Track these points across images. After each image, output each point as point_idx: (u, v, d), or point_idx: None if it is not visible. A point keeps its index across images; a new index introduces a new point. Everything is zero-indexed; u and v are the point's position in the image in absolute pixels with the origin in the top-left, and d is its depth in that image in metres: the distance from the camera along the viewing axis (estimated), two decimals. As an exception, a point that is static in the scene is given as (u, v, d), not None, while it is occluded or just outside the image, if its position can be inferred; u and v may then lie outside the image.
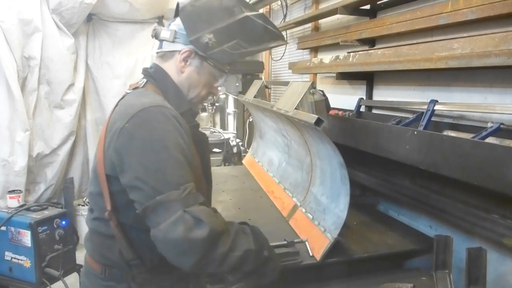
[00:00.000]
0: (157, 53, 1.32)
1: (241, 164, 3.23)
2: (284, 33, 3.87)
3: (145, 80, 1.29)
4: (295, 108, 1.74)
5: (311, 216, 1.73)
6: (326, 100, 2.13)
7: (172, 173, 1.08)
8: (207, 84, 1.31)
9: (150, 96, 1.22)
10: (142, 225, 1.11)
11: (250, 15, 1.25)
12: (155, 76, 1.28)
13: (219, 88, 1.40)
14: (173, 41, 1.25)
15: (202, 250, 1.04)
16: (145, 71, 1.32)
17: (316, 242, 1.58)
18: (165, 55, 1.28)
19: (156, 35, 1.29)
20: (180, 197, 1.05)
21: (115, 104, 1.27)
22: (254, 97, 2.66)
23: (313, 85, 1.96)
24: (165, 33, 1.26)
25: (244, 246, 1.14)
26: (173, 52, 1.26)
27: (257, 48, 1.32)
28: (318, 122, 1.42)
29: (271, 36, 1.32)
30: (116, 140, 1.12)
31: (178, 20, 1.26)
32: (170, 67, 1.27)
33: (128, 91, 1.28)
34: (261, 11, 4.36)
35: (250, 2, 4.23)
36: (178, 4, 1.26)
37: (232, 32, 1.23)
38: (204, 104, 3.92)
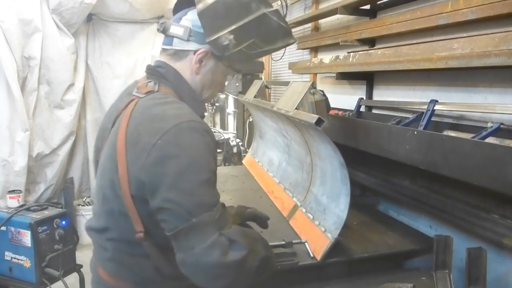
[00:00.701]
0: (164, 49, 1.20)
1: (241, 164, 3.23)
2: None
3: (156, 82, 1.17)
4: (296, 108, 1.74)
5: (311, 216, 1.73)
6: (326, 100, 2.13)
7: (206, 194, 1.02)
8: (219, 84, 1.26)
9: (176, 105, 1.11)
10: None
11: (266, 12, 1.16)
12: (168, 78, 1.18)
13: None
14: (187, 40, 1.15)
15: (237, 272, 1.01)
16: (154, 71, 1.19)
17: (317, 242, 1.58)
18: (176, 54, 1.17)
19: (164, 30, 1.17)
20: (214, 219, 1.00)
21: (124, 107, 1.15)
22: (254, 97, 2.66)
23: (313, 85, 1.97)
24: (177, 29, 1.15)
25: (260, 254, 1.11)
26: (187, 52, 1.16)
27: (272, 48, 1.25)
28: (319, 122, 1.42)
29: (285, 34, 1.24)
30: (147, 158, 1.01)
31: (191, 14, 1.15)
32: (183, 68, 1.18)
33: (140, 95, 1.15)
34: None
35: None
36: None
37: (249, 31, 1.15)
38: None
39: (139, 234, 1.08)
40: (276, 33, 1.22)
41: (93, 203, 1.19)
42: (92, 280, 1.30)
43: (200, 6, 1.10)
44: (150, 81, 1.18)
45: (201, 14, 1.10)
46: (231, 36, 1.12)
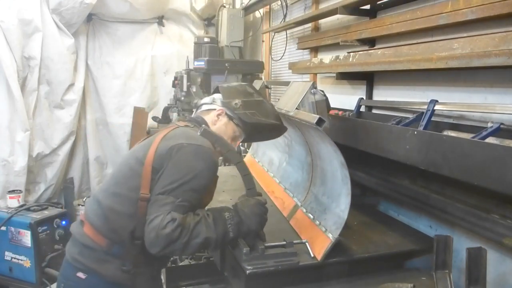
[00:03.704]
0: (199, 110, 1.78)
1: (241, 164, 3.22)
2: (284, 33, 3.87)
3: (193, 125, 1.67)
4: (296, 108, 1.74)
5: (312, 216, 1.73)
6: (326, 100, 2.12)
7: (185, 191, 1.41)
8: (230, 137, 1.69)
9: (206, 140, 1.55)
10: None
11: (264, 100, 1.76)
12: (199, 123, 1.68)
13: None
14: (211, 103, 1.73)
15: (164, 243, 1.33)
16: (193, 119, 1.73)
17: (317, 242, 1.58)
18: (205, 111, 1.74)
19: (197, 106, 1.82)
20: (173, 203, 1.37)
21: (168, 129, 1.62)
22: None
23: (314, 85, 1.96)
24: (206, 100, 1.77)
25: (202, 234, 1.38)
26: (211, 110, 1.72)
27: (266, 121, 1.69)
28: (320, 122, 1.42)
29: (277, 116, 1.74)
30: (173, 147, 1.46)
31: (214, 95, 1.76)
32: (208, 119, 1.70)
33: (180, 125, 1.65)
34: (261, 11, 4.36)
35: (250, 3, 4.23)
36: (217, 87, 1.79)
37: (252, 105, 1.69)
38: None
39: (144, 194, 1.44)
40: (269, 113, 1.72)
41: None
42: (71, 238, 1.63)
43: (222, 86, 1.79)
44: (189, 124, 1.68)
45: (222, 89, 1.76)
46: (239, 102, 1.67)
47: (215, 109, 1.70)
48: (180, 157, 1.45)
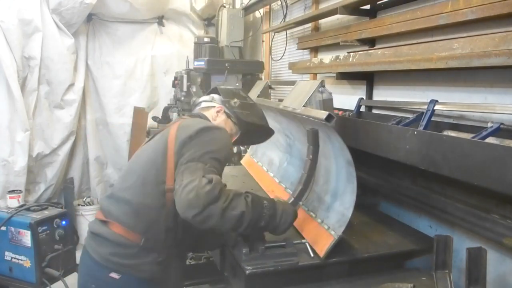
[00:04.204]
0: (198, 107, 1.85)
1: (241, 164, 3.23)
2: (284, 33, 3.87)
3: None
4: (303, 106, 1.74)
5: (314, 215, 1.73)
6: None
7: (211, 158, 1.46)
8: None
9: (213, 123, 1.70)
10: None
11: (256, 103, 1.91)
12: (202, 117, 1.76)
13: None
14: (211, 101, 1.81)
15: (205, 202, 1.31)
16: (195, 113, 1.81)
17: (320, 240, 1.58)
18: (205, 108, 1.81)
19: (195, 103, 1.90)
20: (204, 168, 1.41)
21: (177, 120, 1.74)
22: (257, 97, 2.66)
23: (322, 84, 1.97)
24: (205, 98, 1.85)
25: (240, 208, 1.39)
26: (210, 107, 1.80)
27: (262, 124, 1.83)
28: (329, 118, 1.42)
29: (266, 121, 1.88)
30: (195, 131, 1.52)
31: (212, 94, 1.84)
32: (209, 115, 1.77)
33: (185, 117, 1.77)
34: (261, 11, 4.36)
35: (250, 3, 4.23)
36: (215, 87, 1.87)
37: (247, 106, 1.81)
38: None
39: (170, 186, 1.47)
40: (261, 116, 1.85)
41: (119, 177, 1.74)
42: (95, 238, 1.58)
43: (221, 86, 1.89)
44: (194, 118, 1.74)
45: (221, 89, 1.85)
46: (238, 102, 1.78)
47: (214, 107, 1.77)
48: (204, 135, 1.52)
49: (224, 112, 1.76)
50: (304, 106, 1.76)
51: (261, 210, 1.45)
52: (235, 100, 1.78)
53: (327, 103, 2.00)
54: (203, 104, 1.82)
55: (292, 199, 1.65)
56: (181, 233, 1.57)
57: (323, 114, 1.45)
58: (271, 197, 2.23)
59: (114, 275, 1.50)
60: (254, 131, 1.84)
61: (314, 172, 1.68)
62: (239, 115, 1.75)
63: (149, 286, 1.56)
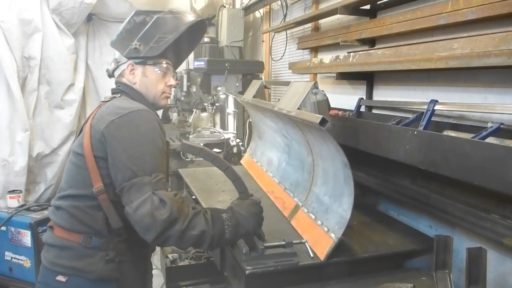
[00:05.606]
0: (115, 78, 1.66)
1: (240, 164, 3.23)
2: (284, 33, 3.87)
3: (119, 94, 1.58)
4: (298, 108, 1.73)
5: (313, 216, 1.73)
6: (326, 100, 2.12)
7: (147, 162, 1.36)
8: (158, 81, 1.60)
9: (131, 101, 1.53)
10: None
11: (159, 16, 1.58)
12: (125, 90, 1.60)
13: (176, 82, 1.70)
14: (117, 66, 1.62)
15: (162, 227, 1.27)
16: (116, 90, 1.63)
17: (320, 242, 1.58)
18: (119, 75, 1.63)
19: (109, 73, 1.68)
20: (151, 182, 1.32)
21: (95, 110, 1.54)
22: (253, 97, 2.65)
23: (315, 85, 1.96)
24: (112, 66, 1.65)
25: (200, 227, 1.34)
26: (122, 71, 1.61)
27: (177, 32, 1.56)
28: (323, 122, 1.42)
29: (183, 18, 1.62)
30: (105, 129, 1.39)
31: (114, 55, 1.64)
32: (126, 80, 1.61)
33: (105, 100, 1.57)
34: (261, 11, 4.36)
35: (250, 3, 4.23)
36: (111, 41, 1.63)
37: (151, 33, 1.55)
38: (204, 104, 3.92)
39: (97, 188, 1.40)
40: (175, 23, 1.58)
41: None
42: (45, 246, 1.56)
43: (112, 41, 1.62)
44: (114, 95, 1.59)
45: (113, 45, 1.61)
46: (138, 43, 1.53)
47: (123, 69, 1.60)
48: (121, 133, 1.39)
49: (136, 64, 1.57)
50: (298, 108, 1.75)
51: (221, 224, 1.39)
52: (134, 43, 1.53)
53: (321, 105, 1.98)
54: (116, 73, 1.64)
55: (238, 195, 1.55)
56: (127, 231, 1.47)
57: (316, 118, 1.44)
58: (271, 197, 2.24)
59: (60, 278, 1.46)
60: (181, 42, 1.63)
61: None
62: (151, 54, 1.53)
63: (104, 286, 1.48)
